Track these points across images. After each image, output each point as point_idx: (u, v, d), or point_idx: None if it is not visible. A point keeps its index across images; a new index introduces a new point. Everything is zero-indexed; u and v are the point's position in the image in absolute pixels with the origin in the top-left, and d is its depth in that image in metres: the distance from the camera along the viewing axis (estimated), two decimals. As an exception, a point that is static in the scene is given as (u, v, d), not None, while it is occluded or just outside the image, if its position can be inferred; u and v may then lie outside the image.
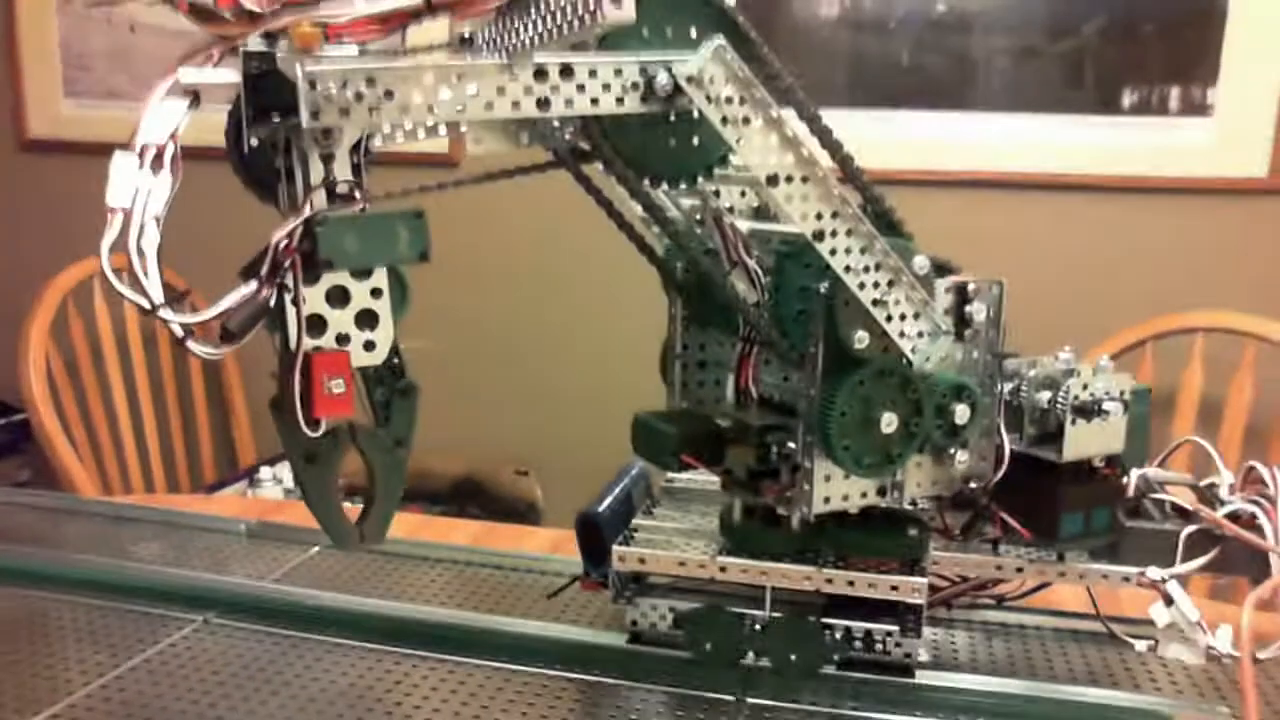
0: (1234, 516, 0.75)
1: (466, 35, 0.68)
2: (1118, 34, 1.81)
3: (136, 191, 0.62)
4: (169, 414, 2.06)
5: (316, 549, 1.06)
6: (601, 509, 0.83)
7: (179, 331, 0.62)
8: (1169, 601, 0.73)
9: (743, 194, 0.80)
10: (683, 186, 0.70)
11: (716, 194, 0.77)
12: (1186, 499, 0.77)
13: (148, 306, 0.61)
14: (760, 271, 0.75)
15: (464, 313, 2.01)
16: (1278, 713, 0.78)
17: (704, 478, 0.91)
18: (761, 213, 0.79)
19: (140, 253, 0.62)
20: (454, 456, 2.03)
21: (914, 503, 0.78)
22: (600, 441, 1.69)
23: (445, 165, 2.00)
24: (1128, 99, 1.83)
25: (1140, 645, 0.78)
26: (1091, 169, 1.84)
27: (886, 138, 1.89)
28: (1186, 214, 1.84)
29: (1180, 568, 0.75)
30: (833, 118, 0.71)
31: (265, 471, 2.02)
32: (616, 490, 0.87)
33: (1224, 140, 1.80)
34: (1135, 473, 0.78)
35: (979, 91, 1.87)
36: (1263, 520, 0.74)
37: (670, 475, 0.93)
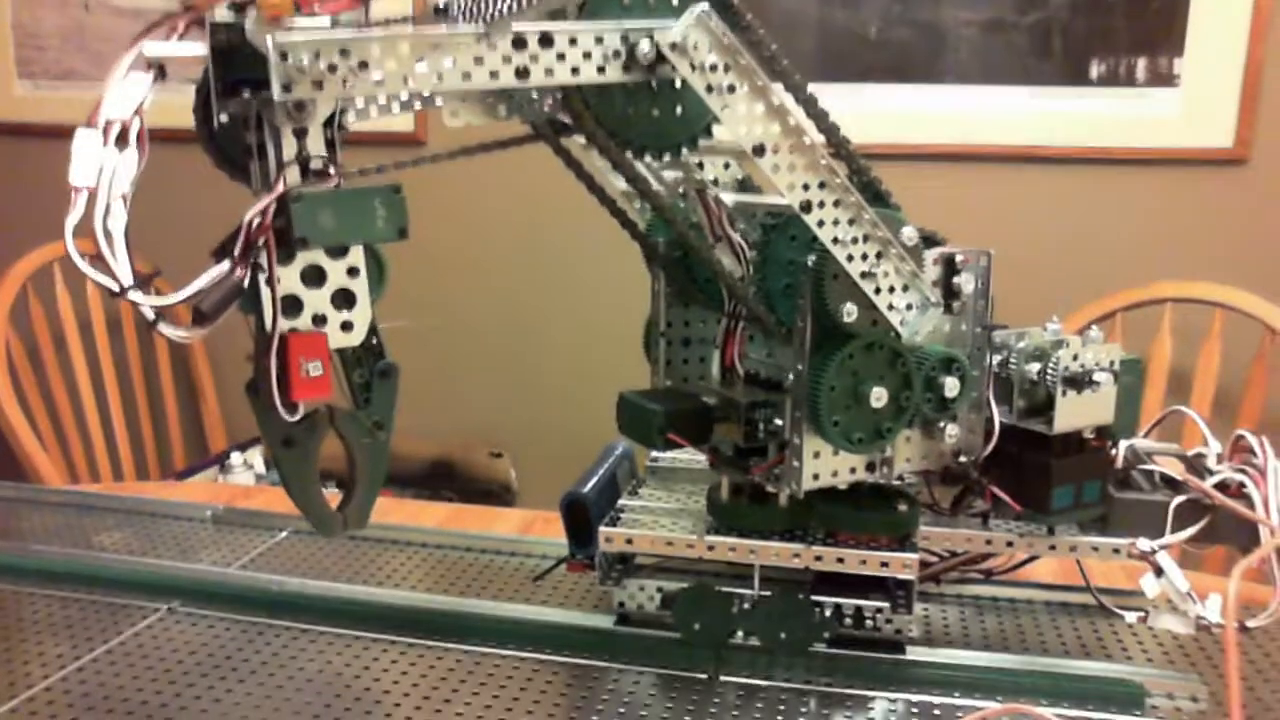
0: (1222, 486, 0.75)
1: (441, 5, 0.67)
2: (1085, 6, 1.81)
3: (101, 170, 0.60)
4: (136, 400, 2.03)
5: (284, 534, 1.04)
6: (587, 490, 0.82)
7: (150, 314, 0.60)
8: (1159, 572, 0.73)
9: (726, 166, 0.78)
10: (666, 158, 0.68)
11: (700, 166, 0.76)
12: (1175, 469, 0.77)
13: (116, 289, 0.60)
14: (745, 246, 0.74)
15: (434, 293, 1.98)
16: (1267, 680, 0.78)
17: (688, 456, 0.90)
18: (746, 185, 0.78)
19: (107, 234, 0.60)
20: (427, 439, 2.01)
21: (901, 478, 0.77)
22: (575, 422, 1.69)
23: (412, 144, 1.98)
24: (1095, 70, 1.83)
25: (1130, 616, 0.77)
26: (1059, 140, 1.84)
27: (854, 111, 1.87)
28: (1154, 184, 1.84)
29: (1170, 538, 0.74)
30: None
31: (236, 456, 1.99)
32: (601, 471, 0.86)
33: (1190, 111, 1.80)
34: (1123, 443, 0.77)
35: (947, 64, 1.87)
36: (1251, 489, 0.73)
37: (654, 454, 0.92)
